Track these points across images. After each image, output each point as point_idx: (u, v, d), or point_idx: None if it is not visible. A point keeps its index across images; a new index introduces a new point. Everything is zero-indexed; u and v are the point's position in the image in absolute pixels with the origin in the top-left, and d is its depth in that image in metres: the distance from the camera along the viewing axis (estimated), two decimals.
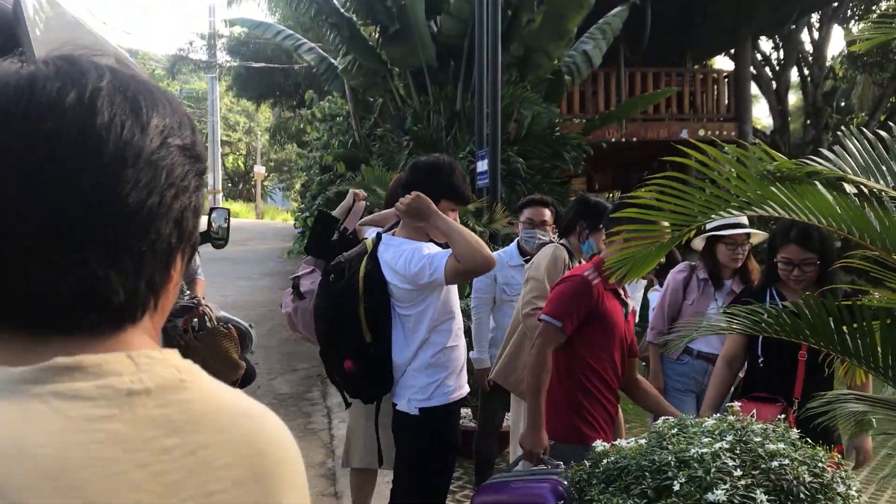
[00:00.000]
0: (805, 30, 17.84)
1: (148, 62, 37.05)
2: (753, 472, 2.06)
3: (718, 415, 2.35)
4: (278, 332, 10.37)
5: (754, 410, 3.18)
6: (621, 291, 3.11)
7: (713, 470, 2.00)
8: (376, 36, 10.49)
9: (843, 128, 1.86)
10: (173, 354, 0.70)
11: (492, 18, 6.85)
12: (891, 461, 5.54)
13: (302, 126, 14.09)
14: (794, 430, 2.30)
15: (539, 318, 3.05)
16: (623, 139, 13.67)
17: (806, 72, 17.99)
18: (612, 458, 2.27)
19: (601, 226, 4.00)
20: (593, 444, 2.45)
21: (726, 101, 14.78)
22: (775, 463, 2.07)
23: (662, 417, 2.51)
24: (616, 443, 2.38)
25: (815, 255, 3.12)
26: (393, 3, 9.30)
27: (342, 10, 9.94)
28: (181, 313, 3.80)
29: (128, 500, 0.62)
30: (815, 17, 17.52)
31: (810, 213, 1.62)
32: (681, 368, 4.09)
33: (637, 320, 5.88)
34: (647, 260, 1.94)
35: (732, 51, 16.56)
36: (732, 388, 3.42)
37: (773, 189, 1.63)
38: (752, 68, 15.96)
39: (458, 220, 3.19)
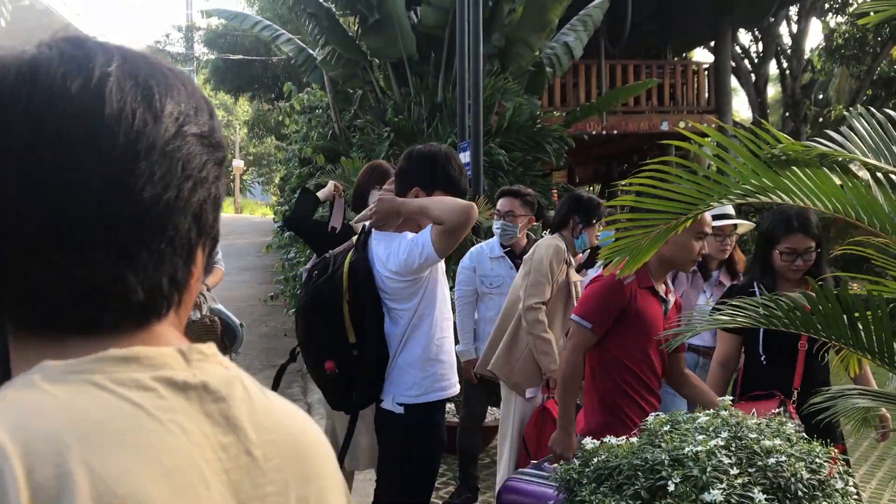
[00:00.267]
0: (784, 22, 17.91)
1: None
2: (749, 470, 1.99)
3: (711, 410, 2.28)
4: (257, 328, 10.24)
5: (753, 410, 3.13)
6: (661, 288, 3.01)
7: (709, 469, 1.93)
8: (355, 26, 10.35)
9: (850, 108, 1.78)
10: (215, 350, 0.69)
11: (473, 9, 6.75)
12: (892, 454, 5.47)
13: (281, 118, 13.89)
14: (790, 423, 2.24)
15: (570, 318, 3.00)
16: (604, 132, 13.63)
17: (784, 64, 18.07)
18: (603, 457, 2.19)
19: (594, 221, 3.99)
20: (583, 442, 2.38)
21: (706, 94, 14.79)
22: (772, 460, 2.00)
23: (652, 413, 2.44)
24: (606, 440, 2.30)
25: (815, 242, 3.07)
26: None
27: (321, 1, 9.79)
28: None
29: (201, 494, 0.60)
30: (793, 10, 17.58)
31: (816, 198, 1.54)
32: None
33: None
34: (643, 250, 1.85)
35: (712, 43, 16.58)
36: (729, 388, 3.36)
37: (777, 174, 1.55)
38: (731, 61, 15.98)
39: None
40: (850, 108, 1.73)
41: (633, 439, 2.17)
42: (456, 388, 2.99)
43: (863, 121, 1.69)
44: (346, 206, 3.91)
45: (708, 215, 2.80)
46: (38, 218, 0.59)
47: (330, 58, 9.90)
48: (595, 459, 2.21)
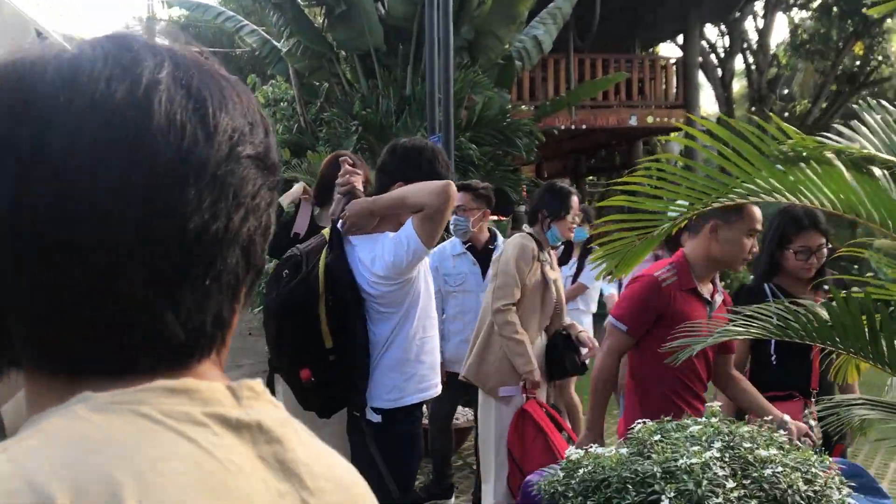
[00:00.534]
0: (750, 18, 18.05)
1: None
2: (745, 482, 1.89)
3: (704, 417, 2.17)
4: None
5: (809, 409, 3.04)
6: (707, 289, 2.87)
7: (704, 482, 1.82)
8: (321, 17, 10.13)
9: (859, 101, 1.67)
10: (265, 388, 0.63)
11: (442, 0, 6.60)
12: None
13: None
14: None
15: (608, 319, 2.87)
16: (573, 126, 13.58)
17: (750, 59, 18.21)
18: (590, 468, 2.07)
19: (563, 213, 3.82)
20: (566, 452, 2.26)
21: (675, 89, 14.80)
22: (768, 471, 1.90)
23: (639, 420, 2.33)
24: (592, 449, 2.18)
25: (826, 238, 3.00)
26: None
27: None
28: None
29: None
30: (759, 5, 17.72)
31: (825, 197, 1.43)
32: None
33: (595, 309, 5.76)
34: (637, 253, 1.73)
35: (680, 38, 16.64)
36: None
37: (784, 172, 1.43)
38: (698, 56, 16.04)
39: None
40: (860, 102, 1.62)
41: (623, 450, 2.05)
42: (437, 390, 2.84)
43: (874, 114, 1.57)
44: (313, 210, 3.69)
45: (759, 212, 2.67)
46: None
47: (295, 49, 9.68)
48: (581, 471, 2.09)
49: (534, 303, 3.74)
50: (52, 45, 0.56)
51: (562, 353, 3.79)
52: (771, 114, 1.66)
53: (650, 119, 14.19)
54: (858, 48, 17.62)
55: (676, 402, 2.75)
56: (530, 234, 3.84)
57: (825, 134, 1.50)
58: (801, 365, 2.93)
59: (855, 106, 1.66)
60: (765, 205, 1.68)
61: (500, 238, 4.52)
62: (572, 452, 2.19)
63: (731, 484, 1.83)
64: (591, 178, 20.64)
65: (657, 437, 2.05)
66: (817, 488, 1.95)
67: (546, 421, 3.47)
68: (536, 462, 3.16)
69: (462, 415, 5.22)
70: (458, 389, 4.25)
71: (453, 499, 4.66)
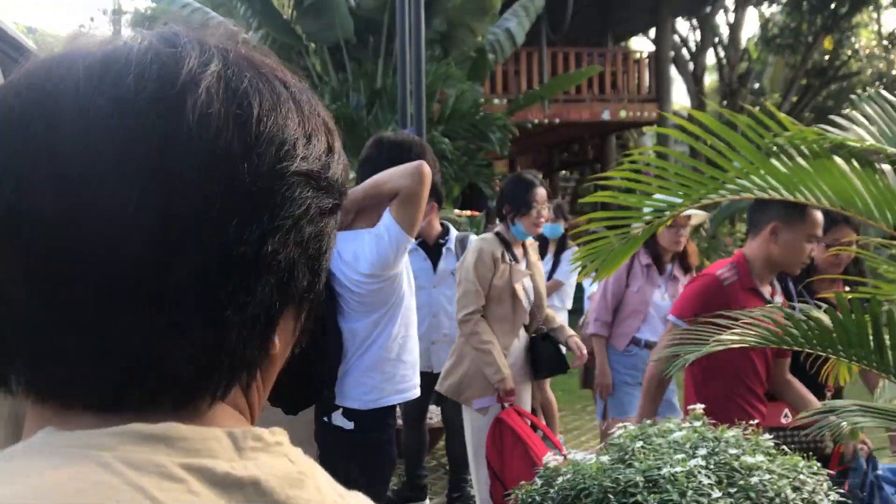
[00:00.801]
0: (721, 12, 18.12)
1: (48, 39, 35.29)
2: (731, 490, 1.80)
3: (686, 423, 2.08)
4: None
5: (785, 410, 2.97)
6: (767, 290, 2.78)
7: (689, 492, 1.72)
8: (290, 9, 9.95)
9: (858, 91, 1.58)
10: (284, 437, 0.53)
11: None
12: None
13: None
14: (767, 435, 2.06)
15: (666, 317, 2.76)
16: (546, 120, 13.51)
17: (722, 54, 18.28)
18: (569, 476, 1.97)
19: (524, 209, 3.59)
20: (544, 458, 2.16)
21: (647, 83, 14.80)
22: (755, 479, 1.81)
23: (619, 425, 2.24)
24: (571, 456, 2.09)
25: (857, 233, 2.96)
26: None
27: None
28: None
29: None
30: (730, 0, 17.78)
31: (823, 194, 1.33)
32: (629, 361, 3.86)
33: (570, 306, 5.68)
34: (619, 253, 1.63)
35: (652, 32, 16.64)
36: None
37: (777, 165, 1.33)
38: (670, 50, 16.06)
39: None
40: (859, 93, 1.52)
41: (604, 457, 1.95)
42: (416, 391, 2.72)
43: (874, 105, 1.48)
44: None
45: (821, 216, 2.59)
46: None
47: (263, 41, 9.49)
48: (560, 479, 2.00)
49: (503, 307, 3.56)
50: (96, 38, 0.51)
51: (541, 353, 3.65)
52: (768, 104, 1.57)
53: (623, 113, 14.17)
54: (828, 43, 17.75)
55: (739, 401, 2.68)
56: (497, 232, 3.65)
57: (824, 126, 1.40)
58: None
59: (853, 96, 1.57)
60: None
61: (452, 232, 4.30)
62: (550, 459, 2.09)
63: (716, 493, 1.74)
64: (564, 172, 20.63)
65: (639, 444, 1.96)
66: (805, 496, 1.87)
67: (524, 428, 3.32)
68: (516, 471, 3.05)
69: (435, 414, 5.11)
70: (426, 388, 4.14)
71: (427, 501, 4.55)
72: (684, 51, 18.23)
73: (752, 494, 1.80)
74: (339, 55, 9.38)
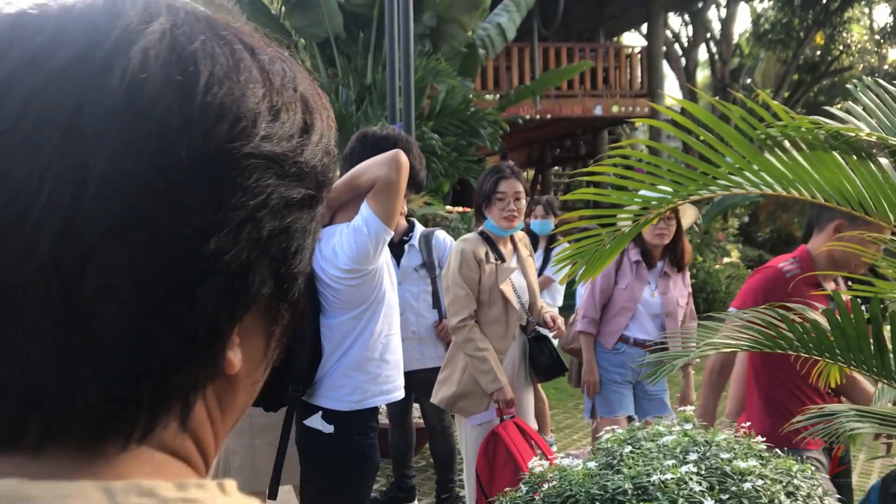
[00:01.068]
0: (713, 7, 18.07)
1: None
2: (723, 497, 1.73)
3: (676, 426, 2.01)
4: None
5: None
6: (830, 285, 2.71)
7: (680, 500, 1.66)
8: (279, 4, 9.85)
9: (854, 80, 1.51)
10: (206, 493, 0.40)
11: None
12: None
13: None
14: (760, 437, 1.99)
15: (727, 310, 2.67)
16: (538, 116, 13.45)
17: (714, 49, 18.24)
18: (555, 483, 1.90)
19: (487, 203, 3.38)
20: (529, 464, 2.09)
21: (639, 78, 14.75)
22: (747, 485, 1.75)
23: (606, 428, 2.17)
24: (558, 461, 2.02)
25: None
26: None
27: None
28: None
29: None
30: None
31: (818, 189, 1.26)
32: (617, 358, 3.78)
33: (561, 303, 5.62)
34: (606, 254, 1.55)
35: (644, 27, 16.59)
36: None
37: (771, 159, 1.26)
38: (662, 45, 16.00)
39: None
40: (855, 82, 1.45)
41: (591, 463, 1.88)
42: (400, 392, 2.64)
43: (871, 94, 1.40)
44: None
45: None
46: None
47: None
48: (545, 486, 1.93)
49: (494, 310, 3.36)
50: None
51: (535, 358, 3.48)
52: (762, 93, 1.49)
53: (615, 108, 14.11)
54: (819, 38, 17.73)
55: (800, 396, 2.60)
56: (481, 231, 3.45)
57: (819, 118, 1.33)
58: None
59: (849, 86, 1.50)
60: None
61: (417, 228, 4.16)
62: (535, 464, 2.03)
63: (708, 501, 1.67)
64: (556, 167, 20.57)
65: (628, 449, 1.89)
66: (800, 501, 1.80)
67: (519, 445, 3.15)
68: (504, 487, 2.98)
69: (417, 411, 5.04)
70: (408, 386, 4.06)
71: (416, 502, 4.48)
72: (676, 46, 18.18)
73: (745, 501, 1.73)
74: (329, 51, 9.30)
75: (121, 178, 0.38)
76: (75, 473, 0.39)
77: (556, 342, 4.15)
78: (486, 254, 3.36)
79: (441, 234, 4.14)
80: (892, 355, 1.34)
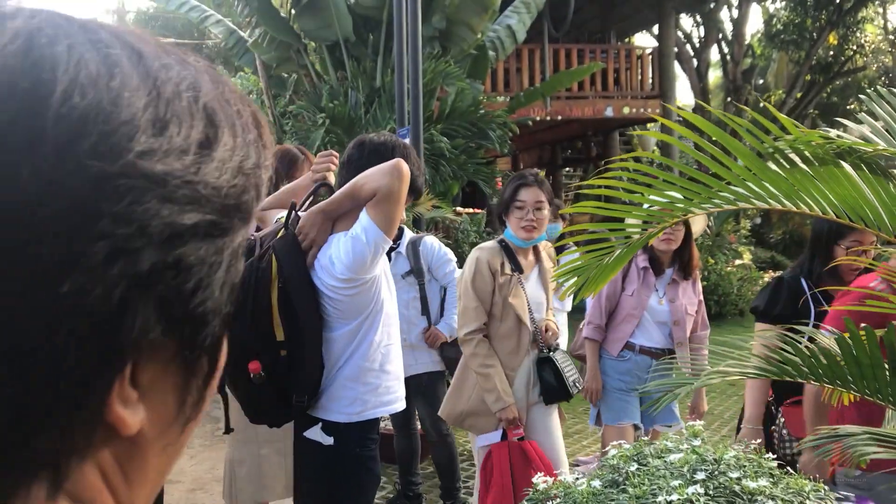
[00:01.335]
0: (725, 8, 17.95)
1: None
2: None
3: (684, 442, 1.96)
4: None
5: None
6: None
7: None
8: (289, 7, 9.84)
9: (866, 90, 1.46)
10: None
11: None
12: None
13: None
14: (770, 455, 1.94)
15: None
16: (548, 117, 13.39)
17: (725, 50, 18.13)
18: (558, 502, 1.86)
19: (506, 211, 3.28)
20: (534, 480, 2.04)
21: (650, 79, 14.66)
22: None
23: (613, 442, 2.12)
24: (562, 478, 1.97)
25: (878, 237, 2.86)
26: None
27: None
28: None
29: None
30: None
31: (829, 204, 1.21)
32: (622, 366, 3.72)
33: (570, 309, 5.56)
34: (608, 268, 1.51)
35: (655, 28, 16.50)
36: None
37: (779, 172, 1.22)
38: (674, 46, 15.91)
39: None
40: (869, 92, 1.40)
41: (595, 481, 1.84)
42: (401, 403, 2.59)
43: (885, 104, 1.35)
44: None
45: None
46: None
47: (262, 40, 9.39)
48: (548, 503, 1.89)
49: (507, 323, 3.21)
50: None
51: (542, 379, 3.27)
52: (768, 105, 1.45)
53: (626, 109, 14.03)
54: (833, 38, 17.57)
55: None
56: (501, 240, 3.33)
57: (830, 130, 1.28)
58: None
59: (863, 96, 1.45)
60: None
61: (406, 235, 4.11)
62: (539, 481, 1.98)
63: None
64: (567, 169, 20.49)
65: (634, 466, 1.85)
66: None
67: (517, 467, 3.05)
68: None
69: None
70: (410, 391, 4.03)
71: None
72: (688, 47, 18.07)
73: None
74: (338, 53, 9.28)
75: None
76: None
77: (564, 346, 4.08)
78: (503, 264, 3.23)
79: (429, 240, 4.08)
80: None
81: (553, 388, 3.26)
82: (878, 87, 1.39)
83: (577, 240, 3.14)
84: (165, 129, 0.37)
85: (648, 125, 14.02)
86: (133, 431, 0.38)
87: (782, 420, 2.95)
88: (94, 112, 0.35)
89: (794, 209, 1.27)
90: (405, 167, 2.30)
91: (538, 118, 12.89)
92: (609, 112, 13.87)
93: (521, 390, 3.23)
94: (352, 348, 2.40)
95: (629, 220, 1.52)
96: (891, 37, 18.75)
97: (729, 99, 17.63)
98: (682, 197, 1.34)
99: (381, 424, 4.86)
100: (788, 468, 1.92)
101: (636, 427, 3.70)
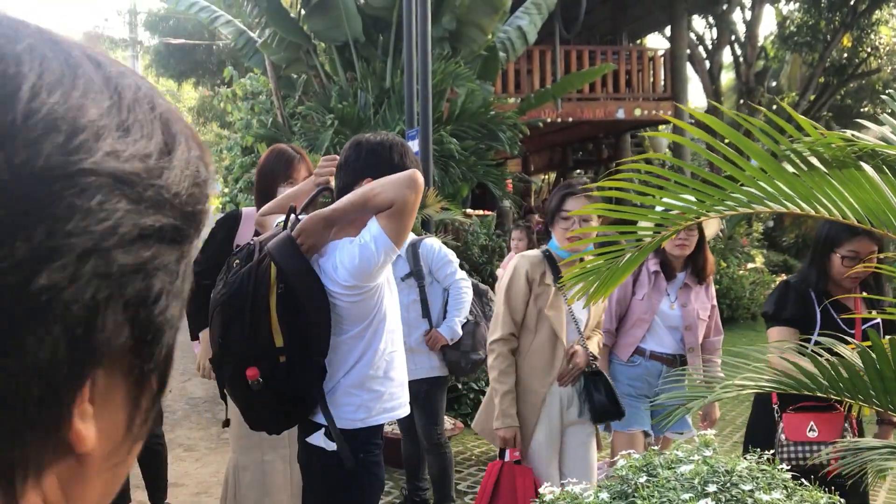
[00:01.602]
0: (738, 9, 17.84)
1: None
2: None
3: (695, 452, 1.91)
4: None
5: (812, 423, 2.79)
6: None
7: None
8: (298, 7, 9.82)
9: (885, 92, 1.40)
10: None
11: None
12: None
13: (222, 105, 13.25)
14: (785, 465, 1.88)
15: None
16: (559, 119, 13.33)
17: (738, 52, 18.01)
18: None
19: (552, 221, 3.14)
20: (540, 491, 1.99)
21: (662, 81, 14.57)
22: None
23: (622, 452, 2.07)
24: (569, 488, 1.92)
25: (878, 247, 2.82)
26: None
27: None
28: None
29: None
30: None
31: (850, 208, 1.16)
32: (633, 371, 3.65)
33: None
34: (618, 272, 1.45)
35: (667, 30, 16.41)
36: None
37: (797, 175, 1.16)
38: (686, 48, 15.81)
39: None
40: (890, 92, 1.34)
41: (603, 494, 1.78)
42: (405, 409, 2.54)
43: None
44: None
45: None
46: None
47: (271, 40, 9.36)
48: None
49: (540, 338, 3.05)
50: None
51: (592, 396, 3.11)
52: (784, 104, 1.39)
53: (638, 112, 13.95)
54: (846, 40, 17.42)
55: None
56: (546, 250, 3.15)
57: (850, 133, 1.22)
58: None
59: (884, 97, 1.39)
60: None
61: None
62: (546, 492, 1.93)
63: None
64: (578, 171, 20.41)
65: (643, 478, 1.79)
66: None
67: (502, 488, 2.96)
68: None
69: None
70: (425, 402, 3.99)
71: None
72: (700, 49, 17.96)
73: None
74: (348, 54, 9.24)
75: None
76: None
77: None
78: (544, 274, 3.08)
79: (429, 242, 4.02)
80: None
81: (603, 406, 3.10)
82: (892, 86, 1.33)
83: (587, 242, 3.04)
84: (129, 132, 0.37)
85: (660, 127, 13.93)
86: (89, 449, 0.36)
87: (781, 425, 2.91)
88: (63, 109, 0.35)
89: (812, 212, 1.21)
90: (420, 179, 2.25)
91: (549, 120, 12.83)
92: (620, 114, 13.80)
93: (554, 411, 3.08)
94: (357, 356, 2.35)
95: (642, 224, 1.46)
96: None
97: (742, 101, 17.51)
98: (694, 199, 1.29)
99: (389, 429, 4.83)
100: (803, 479, 1.86)
101: (646, 434, 3.63)
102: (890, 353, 1.20)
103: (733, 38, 18.14)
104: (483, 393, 5.80)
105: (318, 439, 2.37)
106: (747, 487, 1.71)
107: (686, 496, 1.63)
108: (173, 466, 4.60)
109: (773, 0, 18.00)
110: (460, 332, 3.96)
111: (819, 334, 2.41)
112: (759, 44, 18.29)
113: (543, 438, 3.07)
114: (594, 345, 3.20)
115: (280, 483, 3.14)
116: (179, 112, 0.43)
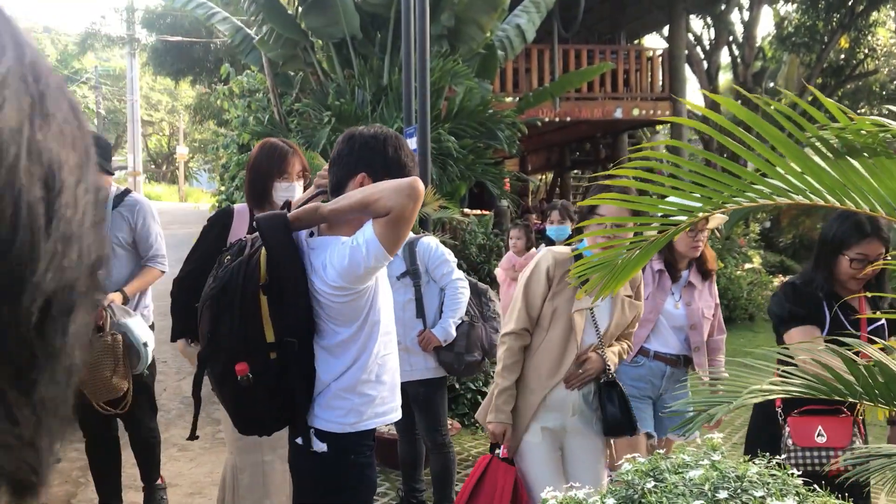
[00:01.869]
0: (735, 10, 17.83)
1: (62, 38, 35.79)
2: None
3: (703, 454, 1.85)
4: None
5: (819, 428, 2.74)
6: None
7: None
8: (295, 4, 9.75)
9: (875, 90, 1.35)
10: None
11: None
12: None
13: (219, 102, 13.17)
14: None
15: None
16: (557, 118, 13.28)
17: (736, 52, 17.99)
18: None
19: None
20: (543, 496, 1.93)
21: (660, 81, 14.54)
22: None
23: (626, 455, 2.01)
24: (573, 493, 1.86)
25: (886, 248, 2.76)
26: None
27: None
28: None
29: None
30: None
31: (881, 202, 1.10)
32: (636, 372, 3.59)
33: None
34: (630, 265, 1.40)
35: (665, 29, 16.39)
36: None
37: (823, 165, 1.10)
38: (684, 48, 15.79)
39: None
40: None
41: (609, 499, 1.72)
42: (397, 414, 2.47)
43: None
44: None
45: None
46: None
47: (268, 37, 9.29)
48: None
49: (551, 336, 2.95)
50: None
51: (605, 407, 3.00)
52: (813, 89, 1.33)
53: (636, 111, 13.92)
54: (844, 41, 17.43)
55: None
56: (574, 249, 3.03)
57: (883, 119, 1.16)
58: None
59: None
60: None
61: None
62: (549, 497, 1.87)
63: None
64: (575, 171, 20.36)
65: (650, 483, 1.73)
66: None
67: (472, 483, 2.91)
68: None
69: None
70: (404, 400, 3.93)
71: None
72: (698, 49, 17.94)
73: None
74: (345, 51, 9.18)
75: None
76: None
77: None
78: (566, 273, 2.93)
79: (427, 240, 3.95)
80: None
81: (616, 419, 2.98)
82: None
83: (592, 234, 2.95)
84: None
85: (658, 127, 13.92)
86: None
87: (788, 430, 2.85)
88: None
89: (838, 205, 1.15)
90: (422, 187, 2.17)
91: (547, 119, 12.79)
92: (618, 113, 13.76)
93: (553, 415, 2.99)
94: (351, 359, 2.29)
95: (664, 213, 1.39)
96: None
97: (739, 102, 17.49)
98: (713, 190, 1.23)
99: (385, 430, 4.77)
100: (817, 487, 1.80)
101: (649, 435, 3.57)
102: None
103: (731, 38, 18.13)
104: (481, 393, 5.75)
105: (308, 440, 2.32)
106: (759, 494, 1.66)
107: (697, 503, 1.57)
108: (167, 466, 4.54)
109: (772, 1, 17.99)
110: (454, 334, 3.89)
111: (828, 335, 2.37)
112: (757, 44, 18.28)
113: (536, 440, 2.97)
114: (613, 353, 3.06)
115: (279, 483, 3.08)
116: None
